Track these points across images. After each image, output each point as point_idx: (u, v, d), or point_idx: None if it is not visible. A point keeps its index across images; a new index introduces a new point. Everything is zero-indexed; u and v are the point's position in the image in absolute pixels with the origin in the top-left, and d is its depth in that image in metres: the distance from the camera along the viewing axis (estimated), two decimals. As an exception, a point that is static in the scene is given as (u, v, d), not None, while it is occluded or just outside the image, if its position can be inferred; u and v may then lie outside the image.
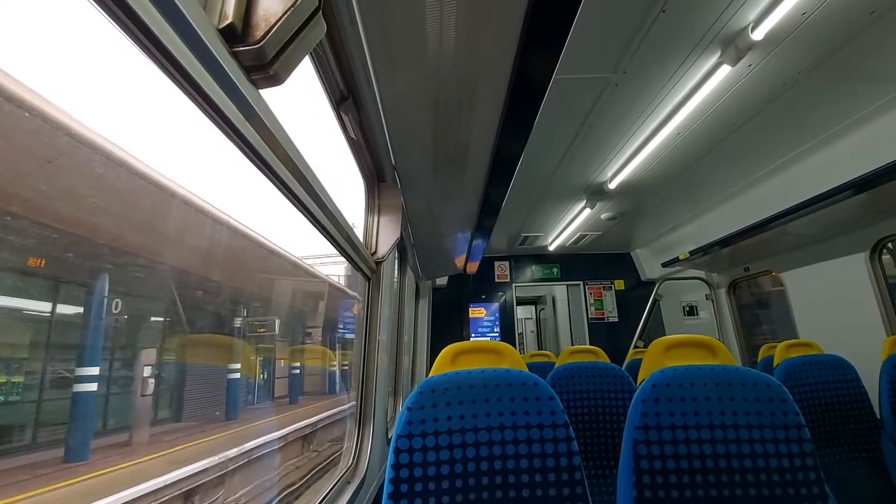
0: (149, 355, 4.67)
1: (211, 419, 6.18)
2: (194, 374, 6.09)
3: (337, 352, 12.51)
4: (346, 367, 13.02)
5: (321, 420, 7.09)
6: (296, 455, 5.94)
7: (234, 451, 4.34)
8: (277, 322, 7.84)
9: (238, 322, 6.97)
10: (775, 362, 2.40)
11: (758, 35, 1.90)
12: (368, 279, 2.06)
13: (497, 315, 6.23)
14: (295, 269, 8.73)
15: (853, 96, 2.35)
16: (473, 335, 6.11)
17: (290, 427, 6.07)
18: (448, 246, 3.77)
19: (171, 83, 0.60)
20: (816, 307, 3.43)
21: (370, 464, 1.87)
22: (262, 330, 7.68)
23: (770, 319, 4.76)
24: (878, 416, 2.23)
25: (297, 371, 10.36)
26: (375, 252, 2.00)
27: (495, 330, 6.17)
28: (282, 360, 9.82)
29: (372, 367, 2.01)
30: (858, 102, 2.39)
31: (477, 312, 6.21)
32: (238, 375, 6.81)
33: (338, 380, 12.33)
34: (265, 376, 9.31)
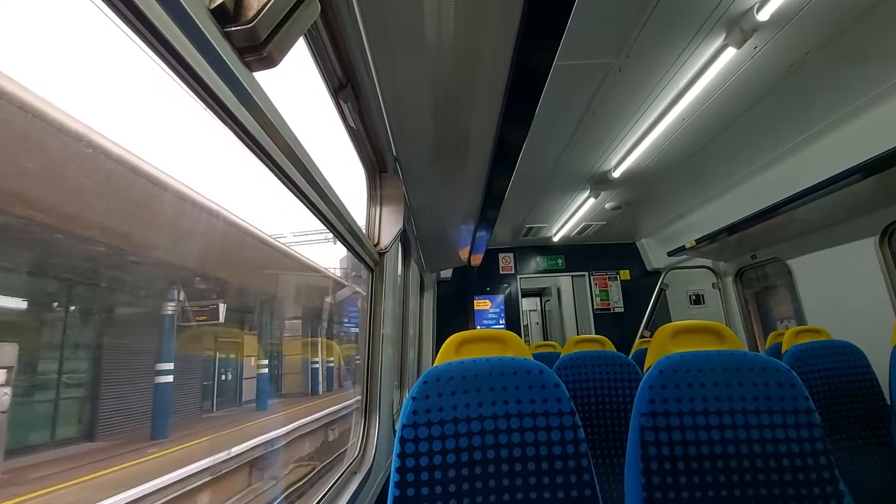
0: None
1: (130, 439, 4.56)
2: (107, 377, 4.56)
3: (321, 346, 11.40)
4: (332, 364, 11.99)
5: (289, 433, 5.68)
6: (237, 489, 4.32)
7: (129, 494, 3.08)
8: (223, 308, 6.09)
9: (171, 308, 5.25)
10: (783, 349, 2.38)
11: (763, 15, 1.86)
12: (372, 270, 2.05)
13: (502, 307, 6.21)
14: (265, 249, 7.00)
15: (862, 78, 2.31)
16: (479, 328, 6.10)
17: (240, 446, 4.54)
18: (452, 238, 3.75)
19: (162, 64, 0.59)
20: (825, 293, 3.39)
21: (377, 454, 1.87)
22: (202, 318, 5.93)
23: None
24: (889, 402, 2.21)
25: (266, 371, 8.81)
26: (378, 243, 1.99)
27: (500, 322, 6.16)
28: (251, 358, 8.44)
29: (377, 359, 2.01)
30: (867, 84, 2.35)
31: (482, 305, 6.20)
32: (170, 378, 5.06)
33: (321, 378, 11.25)
34: (226, 377, 7.85)
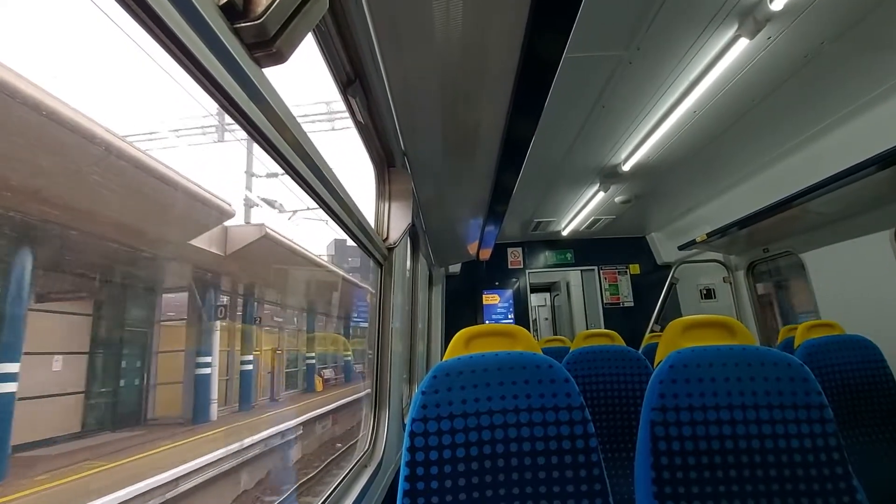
0: None
1: None
2: None
3: (229, 337, 7.45)
4: (249, 366, 7.82)
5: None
6: None
7: None
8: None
9: None
10: (796, 343, 2.36)
11: (777, 5, 1.83)
12: (381, 266, 2.06)
13: (511, 302, 6.21)
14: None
15: (878, 68, 2.26)
16: (487, 322, 6.09)
17: None
18: (460, 232, 3.75)
19: (173, 61, 0.59)
20: (838, 287, 3.34)
21: (387, 448, 1.88)
22: None
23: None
24: None
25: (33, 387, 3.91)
26: (387, 238, 1.99)
27: (509, 317, 6.16)
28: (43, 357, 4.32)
29: (386, 353, 2.02)
30: (884, 74, 2.30)
31: (490, 299, 6.19)
32: None
33: (218, 393, 6.95)
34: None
